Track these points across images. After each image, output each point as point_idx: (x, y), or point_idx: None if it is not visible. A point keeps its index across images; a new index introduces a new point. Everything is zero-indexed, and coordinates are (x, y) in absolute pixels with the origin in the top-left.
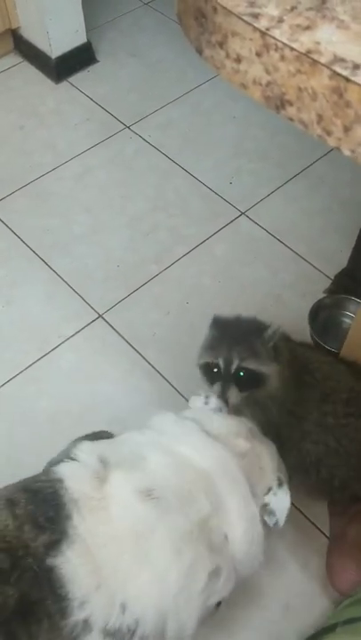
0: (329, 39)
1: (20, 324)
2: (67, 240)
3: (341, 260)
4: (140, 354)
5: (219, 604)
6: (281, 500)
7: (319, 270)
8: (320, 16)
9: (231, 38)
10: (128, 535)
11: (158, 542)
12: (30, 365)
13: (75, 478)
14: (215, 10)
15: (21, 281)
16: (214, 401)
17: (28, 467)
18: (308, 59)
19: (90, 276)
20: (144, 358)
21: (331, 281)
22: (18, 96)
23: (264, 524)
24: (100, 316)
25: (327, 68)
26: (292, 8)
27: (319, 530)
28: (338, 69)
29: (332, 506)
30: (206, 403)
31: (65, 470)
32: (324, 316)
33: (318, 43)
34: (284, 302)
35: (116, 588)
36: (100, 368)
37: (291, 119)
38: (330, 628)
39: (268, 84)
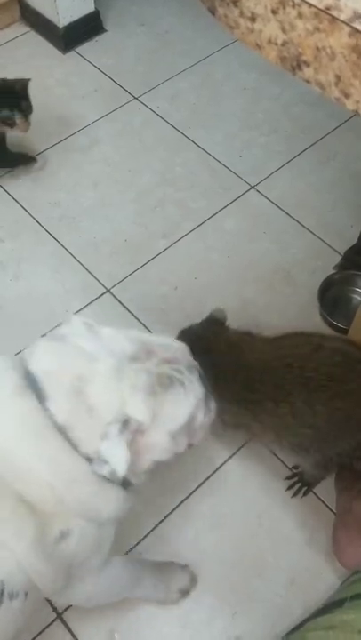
0: None
1: (27, 298)
2: (74, 214)
3: (352, 235)
4: (147, 328)
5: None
6: (114, 449)
7: (329, 246)
8: None
9: None
10: None
11: None
12: None
13: None
14: None
15: (29, 255)
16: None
17: None
18: (326, 15)
19: (98, 251)
20: (151, 333)
21: (341, 257)
22: (24, 66)
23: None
24: (107, 290)
25: (347, 25)
26: None
27: (325, 504)
28: (358, 27)
29: (338, 481)
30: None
31: None
32: (333, 293)
33: None
34: (294, 278)
35: None
36: None
37: (307, 81)
38: (338, 604)
39: (284, 43)
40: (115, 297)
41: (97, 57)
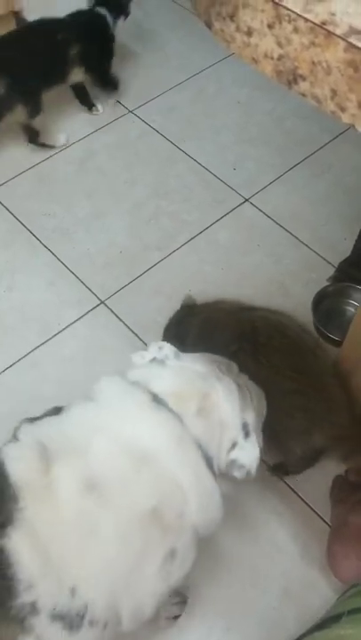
0: (345, 10)
1: (21, 309)
2: (69, 225)
3: (345, 248)
4: (141, 340)
5: (184, 602)
6: (249, 451)
7: (323, 258)
8: None
9: (242, 10)
10: (74, 523)
11: (104, 532)
12: (31, 351)
13: (18, 462)
14: None
15: (23, 266)
16: (156, 352)
17: None
18: (322, 30)
19: (92, 262)
20: (146, 345)
21: (335, 269)
22: None
23: (227, 476)
24: (102, 302)
25: (343, 40)
26: None
27: (319, 516)
28: (354, 42)
29: (333, 493)
30: (143, 357)
31: (8, 452)
32: (327, 305)
33: (334, 14)
34: (287, 290)
35: (65, 573)
36: (101, 354)
37: (303, 95)
38: (335, 618)
39: (280, 57)
40: (109, 308)
41: None
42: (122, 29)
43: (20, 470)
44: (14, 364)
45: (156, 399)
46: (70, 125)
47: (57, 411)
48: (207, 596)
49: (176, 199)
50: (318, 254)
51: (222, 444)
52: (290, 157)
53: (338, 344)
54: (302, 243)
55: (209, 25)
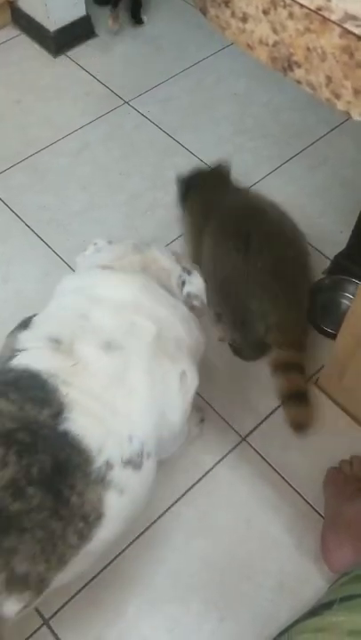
0: None
1: (15, 301)
2: (64, 217)
3: (341, 240)
4: None
5: (202, 420)
6: (196, 283)
7: (318, 251)
8: None
9: None
10: (110, 381)
11: (133, 375)
12: None
13: (39, 361)
14: None
15: (18, 258)
16: (100, 243)
17: None
18: (317, 16)
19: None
20: None
21: (330, 262)
22: (15, 70)
23: (193, 308)
24: None
25: (338, 25)
26: None
27: (313, 508)
28: (349, 27)
29: (327, 485)
30: (84, 255)
31: (24, 360)
32: (322, 298)
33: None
34: None
35: (120, 426)
36: None
37: (298, 82)
38: (326, 606)
39: (276, 44)
40: None
41: (88, 61)
42: (106, 24)
43: (47, 366)
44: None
45: (108, 268)
46: (65, 116)
47: (26, 322)
48: (202, 587)
49: (172, 191)
50: (314, 247)
51: (172, 282)
52: (286, 149)
53: (333, 337)
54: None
55: (204, 11)
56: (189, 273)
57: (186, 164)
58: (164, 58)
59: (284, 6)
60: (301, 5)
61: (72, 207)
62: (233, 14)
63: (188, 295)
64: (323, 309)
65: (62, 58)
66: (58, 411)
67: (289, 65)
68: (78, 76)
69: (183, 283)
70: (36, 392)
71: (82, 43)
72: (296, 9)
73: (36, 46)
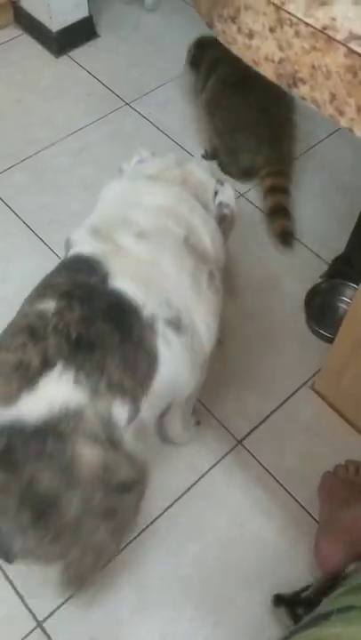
0: (345, 15)
1: (14, 300)
2: (64, 217)
3: (339, 244)
4: None
5: (198, 423)
6: (228, 193)
7: (317, 255)
8: None
9: (244, 12)
10: (146, 262)
11: (164, 261)
12: None
13: (84, 248)
14: None
15: (17, 257)
16: (144, 154)
17: None
18: (323, 35)
19: None
20: None
21: (328, 265)
22: (17, 69)
23: (224, 218)
24: None
25: (343, 45)
26: None
27: (307, 512)
28: (354, 47)
29: (322, 490)
30: (130, 163)
31: (76, 251)
32: (320, 301)
33: (334, 19)
34: (281, 286)
35: (158, 292)
36: None
37: (303, 98)
38: (324, 616)
39: (281, 60)
40: None
41: (89, 61)
42: (120, 19)
43: (90, 250)
44: None
45: (152, 177)
46: (66, 117)
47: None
48: (196, 590)
49: None
50: (312, 250)
51: (208, 195)
52: None
53: (330, 340)
54: (296, 239)
55: (211, 26)
56: (222, 184)
57: None
58: (165, 59)
59: (291, 25)
60: (307, 24)
61: (72, 207)
62: (239, 30)
63: (220, 204)
64: (320, 313)
65: (64, 58)
66: (104, 277)
67: (294, 82)
68: (80, 76)
69: (216, 193)
70: (82, 266)
71: (84, 43)
72: (302, 28)
73: (38, 46)
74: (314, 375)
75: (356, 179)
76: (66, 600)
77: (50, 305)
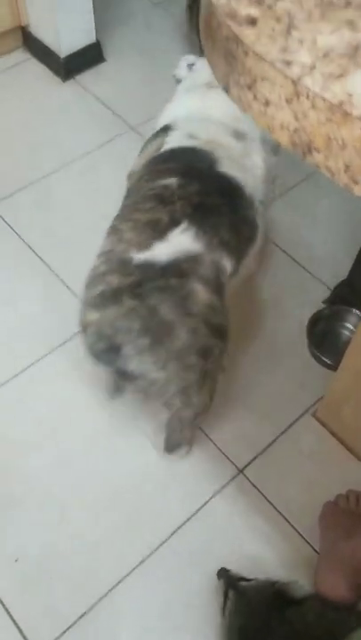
0: None
1: (17, 324)
2: (68, 241)
3: (342, 270)
4: None
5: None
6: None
7: (319, 280)
8: (353, 63)
9: (261, 82)
10: (243, 155)
11: (255, 155)
12: (27, 368)
13: (193, 143)
14: (246, 54)
15: (21, 281)
16: (190, 58)
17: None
18: (340, 109)
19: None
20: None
21: (330, 291)
22: (24, 93)
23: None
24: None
25: (359, 120)
26: (325, 54)
27: (308, 543)
28: None
29: (322, 520)
30: (186, 68)
31: (180, 145)
32: (322, 327)
33: (351, 94)
34: (283, 311)
35: (253, 179)
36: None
37: (317, 166)
38: None
39: (296, 130)
40: None
41: (96, 86)
42: (126, 44)
43: (199, 144)
44: (7, 381)
45: (209, 85)
46: (72, 140)
47: (165, 129)
48: (196, 619)
49: None
50: (315, 276)
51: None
52: (290, 177)
53: (332, 368)
54: (299, 264)
55: (226, 90)
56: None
57: None
58: (170, 83)
59: (308, 97)
60: (324, 99)
61: (77, 231)
62: (255, 98)
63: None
64: (322, 339)
65: (71, 82)
66: (211, 163)
67: (309, 150)
68: (86, 100)
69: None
70: (191, 155)
71: (91, 67)
72: (319, 101)
73: (46, 70)
74: (316, 402)
75: (360, 204)
76: (68, 628)
77: (172, 180)
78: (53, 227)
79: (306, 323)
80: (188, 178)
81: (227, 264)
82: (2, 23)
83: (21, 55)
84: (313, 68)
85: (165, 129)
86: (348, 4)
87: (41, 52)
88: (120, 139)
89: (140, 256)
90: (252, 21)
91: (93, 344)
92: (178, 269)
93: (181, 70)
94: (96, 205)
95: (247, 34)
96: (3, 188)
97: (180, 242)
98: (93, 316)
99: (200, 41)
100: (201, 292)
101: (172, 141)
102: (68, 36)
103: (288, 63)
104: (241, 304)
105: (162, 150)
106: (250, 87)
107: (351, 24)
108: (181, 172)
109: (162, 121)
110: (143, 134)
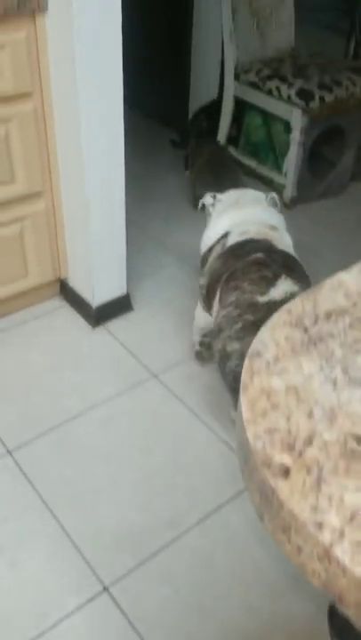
0: None
1: (19, 589)
2: (82, 493)
3: None
4: (142, 638)
5: None
6: (271, 194)
7: None
8: None
9: (294, 532)
10: (280, 237)
11: (285, 237)
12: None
13: (251, 236)
14: (281, 506)
15: (28, 540)
16: (218, 196)
17: None
18: None
19: (100, 537)
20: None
21: None
22: (57, 338)
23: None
24: (105, 588)
25: None
26: (352, 517)
27: None
28: None
29: (332, 628)
30: (211, 199)
31: (240, 239)
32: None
33: None
34: (302, 584)
35: (287, 248)
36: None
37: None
38: None
39: (327, 583)
40: (112, 598)
41: (123, 334)
42: (153, 295)
43: (255, 236)
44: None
45: (236, 204)
46: (95, 387)
47: (225, 236)
48: None
49: (191, 472)
50: None
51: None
52: None
53: None
54: None
55: (260, 514)
56: (271, 193)
57: (207, 444)
58: (189, 334)
59: (338, 564)
60: (353, 574)
61: (91, 483)
62: (289, 541)
63: (272, 198)
64: (344, 628)
65: (100, 329)
66: (270, 244)
67: (340, 599)
68: (112, 347)
69: (267, 196)
70: (255, 242)
71: (119, 316)
72: (349, 573)
73: (78, 317)
74: None
75: None
76: None
77: (260, 254)
78: (70, 479)
79: (327, 608)
80: (268, 252)
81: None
82: (44, 276)
83: (57, 302)
84: (342, 534)
85: (223, 237)
86: None
87: (75, 301)
88: (141, 386)
89: (263, 299)
90: (286, 472)
91: (237, 365)
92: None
93: (208, 200)
94: (113, 457)
95: (281, 487)
96: (22, 434)
97: (284, 287)
98: (235, 345)
99: (195, 198)
100: None
101: (232, 240)
102: (102, 289)
103: (320, 526)
104: (258, 578)
105: (227, 246)
106: (283, 530)
107: None
108: (261, 249)
109: (209, 239)
110: (164, 382)
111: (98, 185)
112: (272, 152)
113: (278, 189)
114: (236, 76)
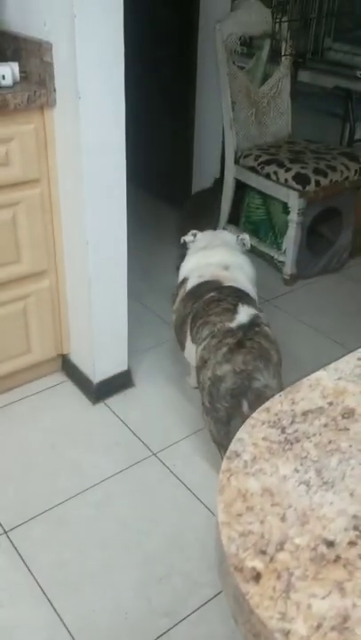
0: None
1: None
2: (77, 578)
3: None
4: None
5: None
6: (246, 236)
7: None
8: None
9: (264, 639)
10: (233, 277)
11: (241, 276)
12: None
13: (206, 278)
14: (251, 612)
15: (22, 627)
16: (197, 235)
17: None
18: None
19: (94, 625)
20: None
21: None
22: (56, 414)
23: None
24: None
25: None
26: (318, 625)
27: None
28: None
29: None
30: (191, 237)
31: (198, 282)
32: None
33: None
34: None
35: (242, 285)
36: None
37: None
38: None
39: None
40: None
41: (123, 410)
42: (154, 371)
43: (209, 278)
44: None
45: (205, 247)
46: (94, 465)
47: (183, 281)
48: None
49: (191, 555)
50: None
51: (233, 240)
52: None
53: None
54: None
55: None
56: (243, 234)
57: (206, 527)
58: (194, 406)
59: None
60: None
61: (87, 567)
62: None
63: (242, 239)
64: None
65: (100, 405)
66: (220, 283)
67: None
68: (112, 423)
69: (238, 237)
70: (209, 283)
71: (120, 392)
72: None
73: (79, 393)
74: None
75: None
76: None
77: (213, 293)
78: (65, 562)
79: None
80: (218, 290)
81: (263, 316)
82: (47, 353)
83: (58, 378)
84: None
85: (185, 280)
86: (337, 558)
87: (76, 377)
88: (140, 465)
89: (232, 324)
90: (257, 577)
91: (234, 383)
92: (254, 322)
93: (188, 238)
94: (110, 540)
95: (252, 593)
96: (18, 515)
97: (245, 311)
98: (226, 367)
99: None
100: (267, 329)
101: (191, 283)
102: (103, 365)
103: (287, 634)
104: None
105: (188, 289)
106: (255, 636)
107: (340, 587)
108: (212, 289)
109: (182, 275)
110: (163, 460)
111: (99, 265)
112: (272, 230)
113: (278, 266)
114: (237, 161)
